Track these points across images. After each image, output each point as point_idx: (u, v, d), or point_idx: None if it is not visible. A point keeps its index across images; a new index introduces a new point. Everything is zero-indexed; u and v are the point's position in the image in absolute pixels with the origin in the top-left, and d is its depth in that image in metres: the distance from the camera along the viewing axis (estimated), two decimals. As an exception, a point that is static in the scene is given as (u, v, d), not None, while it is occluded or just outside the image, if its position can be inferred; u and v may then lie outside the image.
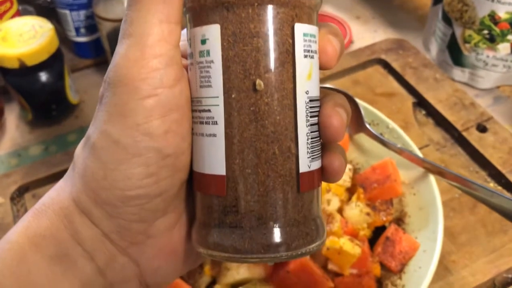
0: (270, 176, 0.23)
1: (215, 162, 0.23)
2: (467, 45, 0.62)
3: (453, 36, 0.63)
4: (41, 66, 0.57)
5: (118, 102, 0.22)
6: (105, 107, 0.23)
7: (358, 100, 0.52)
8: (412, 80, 0.64)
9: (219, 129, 0.23)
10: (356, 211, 0.45)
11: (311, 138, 0.24)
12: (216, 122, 0.23)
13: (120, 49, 0.23)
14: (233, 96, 0.23)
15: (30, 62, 0.56)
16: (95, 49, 0.70)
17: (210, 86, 0.23)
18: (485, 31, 0.60)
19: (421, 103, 0.63)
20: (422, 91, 0.63)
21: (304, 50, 0.23)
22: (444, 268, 0.46)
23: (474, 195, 0.44)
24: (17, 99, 0.60)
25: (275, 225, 0.23)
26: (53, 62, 0.58)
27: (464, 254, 0.48)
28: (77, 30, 0.68)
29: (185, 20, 0.25)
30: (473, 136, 0.57)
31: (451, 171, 0.45)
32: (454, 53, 0.65)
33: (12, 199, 0.54)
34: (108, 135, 0.23)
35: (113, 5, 0.60)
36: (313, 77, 0.24)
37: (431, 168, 0.47)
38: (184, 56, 0.25)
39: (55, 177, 0.56)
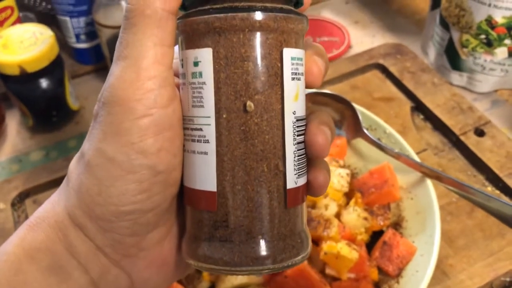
0: (259, 193, 0.24)
1: (206, 178, 0.24)
2: (465, 50, 0.63)
3: (450, 40, 0.64)
4: (41, 73, 0.57)
5: (113, 121, 0.23)
6: (100, 125, 0.24)
7: (355, 106, 0.52)
8: (410, 85, 0.64)
9: (211, 147, 0.24)
10: (354, 216, 0.46)
11: (298, 156, 0.25)
12: (208, 140, 0.24)
13: (115, 70, 0.23)
14: (224, 116, 0.24)
15: (31, 69, 0.56)
16: (95, 55, 0.71)
17: (202, 106, 0.24)
18: (482, 36, 0.60)
19: (419, 107, 0.63)
20: (420, 95, 0.63)
21: (292, 73, 0.24)
22: (441, 272, 0.47)
23: (472, 199, 0.44)
24: (18, 105, 0.61)
25: (263, 239, 0.24)
26: (54, 69, 0.58)
27: (462, 258, 0.48)
28: (77, 36, 0.68)
29: (177, 41, 0.26)
30: (470, 140, 0.58)
31: (448, 176, 0.45)
32: (452, 58, 0.65)
33: (13, 205, 0.54)
34: (103, 152, 0.24)
35: (113, 12, 0.60)
36: (299, 98, 0.25)
37: (428, 173, 0.47)
38: (176, 74, 0.26)
39: (56, 183, 0.56)
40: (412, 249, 0.44)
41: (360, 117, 0.51)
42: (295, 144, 0.25)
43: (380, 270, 0.45)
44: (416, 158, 0.50)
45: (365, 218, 0.46)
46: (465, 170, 0.56)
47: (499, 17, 0.58)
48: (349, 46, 0.74)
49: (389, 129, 0.52)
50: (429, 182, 0.47)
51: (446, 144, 0.59)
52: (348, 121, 0.52)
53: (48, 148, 0.62)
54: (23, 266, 0.24)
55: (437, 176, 0.46)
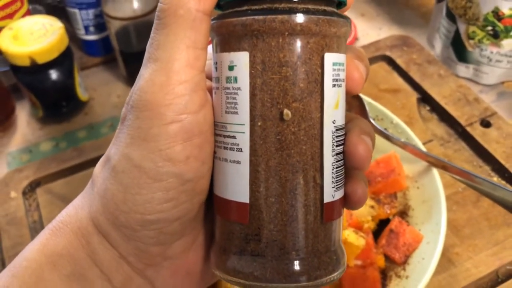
0: (293, 206, 0.23)
1: (238, 189, 0.23)
2: (471, 42, 0.63)
3: (457, 32, 0.64)
4: (51, 64, 0.58)
5: (141, 126, 0.22)
6: (127, 129, 0.23)
7: (362, 96, 0.53)
8: (416, 76, 0.65)
9: (244, 156, 0.23)
10: (361, 204, 0.46)
11: (336, 168, 0.24)
12: (241, 149, 0.23)
13: (145, 72, 0.23)
14: (259, 124, 0.22)
15: (41, 60, 0.57)
16: (104, 47, 0.71)
17: (236, 112, 0.23)
18: (489, 27, 0.61)
19: (425, 99, 0.63)
20: (427, 87, 0.63)
21: (333, 80, 0.23)
22: (447, 261, 0.47)
23: (478, 188, 0.44)
24: (28, 96, 0.61)
25: (297, 255, 0.23)
26: (63, 60, 0.59)
27: (468, 247, 0.48)
28: (86, 28, 0.69)
29: (212, 43, 0.24)
30: (477, 131, 0.58)
31: (454, 165, 0.46)
32: (458, 50, 0.65)
33: (24, 193, 0.55)
34: (129, 159, 0.23)
35: (122, 4, 0.61)
36: (340, 105, 0.23)
37: (434, 162, 0.47)
38: (208, 77, 0.25)
39: (66, 172, 0.57)
40: (419, 237, 0.45)
41: (367, 107, 0.51)
42: (334, 155, 0.23)
43: (387, 257, 0.45)
44: (423, 147, 0.50)
45: (372, 207, 0.46)
46: (471, 161, 0.56)
47: (506, 9, 0.58)
48: (355, 39, 0.74)
49: (396, 119, 0.52)
50: (435, 172, 0.47)
51: (452, 135, 0.59)
52: (355, 111, 0.52)
53: (57, 139, 0.63)
54: (44, 274, 0.24)
55: (443, 166, 0.47)
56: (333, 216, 0.24)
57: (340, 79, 0.23)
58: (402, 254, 0.45)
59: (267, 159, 0.23)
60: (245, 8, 0.22)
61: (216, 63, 0.24)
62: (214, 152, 0.24)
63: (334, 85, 0.23)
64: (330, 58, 0.23)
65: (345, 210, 0.44)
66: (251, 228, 0.23)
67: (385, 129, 0.52)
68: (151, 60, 0.23)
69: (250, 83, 0.22)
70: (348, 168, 0.25)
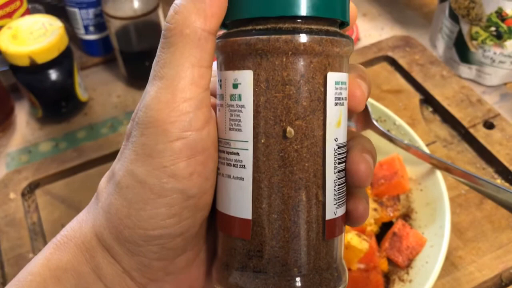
0: (296, 223, 0.23)
1: (241, 205, 0.23)
2: (474, 42, 0.63)
3: (460, 33, 0.64)
4: (51, 64, 0.58)
5: (146, 142, 0.23)
6: (132, 146, 0.23)
7: (365, 97, 0.52)
8: (419, 77, 0.64)
9: (247, 173, 0.23)
10: (364, 207, 0.46)
11: (338, 185, 0.24)
12: (244, 166, 0.23)
13: (150, 90, 0.23)
14: (262, 141, 0.23)
15: (41, 60, 0.56)
16: (103, 47, 0.71)
17: (240, 130, 0.23)
18: (492, 28, 0.60)
19: (428, 100, 0.63)
20: (429, 88, 0.63)
21: (335, 98, 0.23)
22: (451, 264, 0.47)
23: (481, 191, 0.44)
24: (27, 96, 0.61)
25: (299, 272, 0.23)
26: (63, 60, 0.59)
27: (471, 250, 0.48)
28: (86, 28, 0.68)
29: (217, 61, 0.25)
30: (480, 133, 0.58)
31: (458, 167, 0.45)
32: (461, 50, 0.65)
33: (23, 195, 0.54)
34: (134, 175, 0.23)
35: (122, 3, 0.60)
36: (342, 124, 0.24)
37: (438, 164, 0.47)
38: (213, 94, 0.26)
39: (66, 173, 0.56)
40: (422, 240, 0.44)
41: (370, 109, 0.51)
42: (336, 172, 0.24)
43: (390, 261, 0.45)
44: (426, 149, 0.49)
45: (375, 209, 0.46)
46: (474, 163, 0.56)
47: (509, 9, 0.58)
48: (357, 39, 0.74)
49: (399, 120, 0.52)
50: (438, 173, 0.47)
51: (455, 137, 0.59)
52: (358, 113, 0.52)
53: (57, 139, 0.62)
54: None
55: (446, 168, 0.46)
56: (335, 233, 0.24)
57: (342, 98, 0.24)
58: (405, 258, 0.44)
59: (270, 176, 0.23)
60: (249, 27, 0.23)
61: (221, 80, 0.24)
62: (218, 168, 0.24)
63: (336, 104, 0.23)
64: (332, 77, 0.23)
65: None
66: (253, 244, 0.23)
67: (388, 130, 0.51)
68: (157, 77, 0.23)
69: (254, 101, 0.23)
70: (350, 185, 0.25)
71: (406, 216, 0.48)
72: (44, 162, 0.57)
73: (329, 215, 0.24)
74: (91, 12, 0.66)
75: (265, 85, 0.22)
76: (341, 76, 0.24)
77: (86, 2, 0.65)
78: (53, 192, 0.55)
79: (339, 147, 0.24)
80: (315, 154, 0.23)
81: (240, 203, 0.23)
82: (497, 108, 0.61)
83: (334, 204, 0.24)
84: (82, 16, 0.67)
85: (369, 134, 0.52)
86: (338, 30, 0.24)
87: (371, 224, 0.45)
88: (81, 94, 0.64)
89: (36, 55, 0.56)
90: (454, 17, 0.64)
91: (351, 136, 0.26)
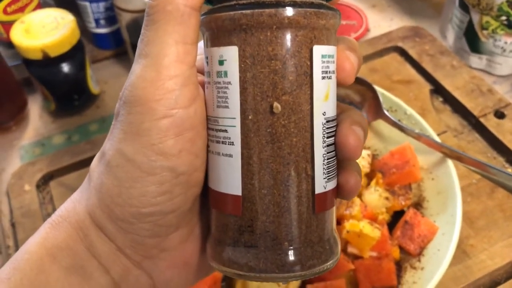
0: (285, 197, 0.23)
1: (231, 181, 0.23)
2: (485, 32, 0.62)
3: (470, 23, 0.63)
4: (63, 57, 0.58)
5: (133, 121, 0.23)
6: (120, 125, 0.23)
7: (376, 87, 0.52)
8: (429, 67, 0.64)
9: (236, 149, 0.23)
10: (375, 196, 0.46)
11: (327, 159, 0.24)
12: (233, 142, 0.23)
13: (136, 68, 0.23)
14: (250, 117, 0.23)
15: (53, 53, 0.57)
16: (114, 40, 0.71)
17: (227, 107, 0.23)
18: (503, 17, 0.60)
19: (438, 90, 0.63)
20: (439, 78, 0.63)
21: (322, 72, 0.23)
22: (462, 252, 0.47)
23: (492, 179, 0.44)
24: (40, 89, 0.62)
25: (290, 245, 0.23)
26: (75, 53, 0.59)
27: (482, 238, 0.48)
28: (96, 21, 0.69)
29: (202, 38, 0.25)
30: (490, 122, 0.57)
31: (469, 156, 0.45)
32: (471, 40, 0.64)
33: (37, 186, 0.55)
34: (123, 153, 0.23)
35: (133, -4, 0.61)
36: (330, 97, 0.24)
37: (449, 153, 0.47)
38: (200, 71, 0.26)
39: (79, 165, 0.57)
40: (434, 228, 0.45)
41: (381, 99, 0.51)
42: (325, 146, 0.24)
43: (402, 249, 0.45)
44: (437, 138, 0.50)
45: (387, 198, 0.46)
46: (484, 152, 0.56)
47: (520, -2, 0.58)
48: (367, 30, 0.74)
49: (410, 110, 0.52)
50: (450, 162, 0.47)
51: (465, 127, 0.59)
52: (369, 103, 0.52)
53: (70, 132, 0.63)
54: (45, 266, 0.24)
55: (457, 157, 0.46)
56: (325, 206, 0.24)
57: (329, 71, 0.24)
58: (417, 246, 0.44)
59: (259, 152, 0.23)
60: (233, 2, 0.23)
61: (207, 57, 0.24)
62: (208, 146, 0.25)
63: (323, 77, 0.23)
64: (319, 51, 0.23)
65: (360, 203, 0.44)
66: (245, 220, 0.24)
67: (399, 120, 0.51)
68: (142, 56, 0.23)
69: (240, 77, 0.22)
70: (340, 158, 0.25)
71: (418, 205, 0.48)
72: (57, 154, 0.58)
73: (318, 189, 0.24)
74: (101, 5, 0.67)
75: (251, 60, 0.22)
76: (328, 49, 0.23)
77: (97, -5, 0.66)
78: (67, 184, 0.56)
79: (327, 121, 0.24)
80: (303, 128, 0.23)
81: (230, 179, 0.23)
82: (508, 98, 0.61)
83: (324, 178, 0.24)
84: (93, 9, 0.67)
85: (381, 124, 0.52)
86: (323, 2, 0.23)
87: (383, 213, 0.46)
88: (93, 87, 0.64)
89: (49, 49, 0.56)
90: (464, 6, 0.64)
91: (342, 110, 0.26)
